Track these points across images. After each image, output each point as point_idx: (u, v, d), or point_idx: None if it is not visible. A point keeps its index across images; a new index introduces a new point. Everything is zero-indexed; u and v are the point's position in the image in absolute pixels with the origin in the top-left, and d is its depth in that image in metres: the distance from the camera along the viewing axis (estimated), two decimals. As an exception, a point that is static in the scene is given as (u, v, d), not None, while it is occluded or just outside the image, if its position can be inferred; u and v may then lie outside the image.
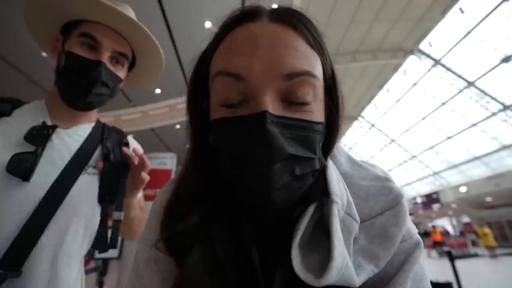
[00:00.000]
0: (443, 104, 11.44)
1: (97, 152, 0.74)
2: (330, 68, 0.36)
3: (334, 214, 0.30)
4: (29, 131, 0.63)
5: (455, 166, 14.08)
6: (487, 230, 11.06)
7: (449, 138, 12.67)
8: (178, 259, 0.34)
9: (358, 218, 0.33)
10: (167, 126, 8.20)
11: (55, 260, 0.61)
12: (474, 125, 11.23)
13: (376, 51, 9.68)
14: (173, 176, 3.09)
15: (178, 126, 8.56)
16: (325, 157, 0.36)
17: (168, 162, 3.11)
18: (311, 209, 0.33)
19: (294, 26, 0.33)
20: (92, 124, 0.78)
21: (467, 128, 11.60)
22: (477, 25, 8.67)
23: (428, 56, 10.11)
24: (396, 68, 10.94)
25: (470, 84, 10.03)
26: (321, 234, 0.32)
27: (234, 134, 0.31)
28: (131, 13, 0.77)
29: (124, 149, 0.77)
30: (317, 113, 0.33)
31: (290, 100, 0.31)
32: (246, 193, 0.33)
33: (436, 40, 9.61)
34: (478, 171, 13.11)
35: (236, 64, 0.31)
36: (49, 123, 0.69)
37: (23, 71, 6.67)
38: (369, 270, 0.31)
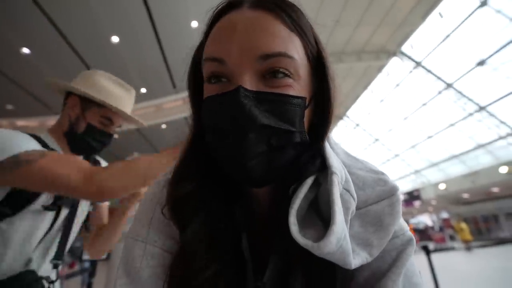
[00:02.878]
0: (424, 104, 11.89)
1: None
2: (315, 50, 0.38)
3: (335, 183, 0.31)
4: None
5: (435, 164, 14.68)
6: (463, 225, 11.63)
7: (429, 137, 13.19)
8: (180, 227, 0.37)
9: (355, 195, 0.34)
10: (153, 126, 8.04)
11: None
12: (452, 125, 11.75)
13: (361, 53, 9.93)
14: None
15: (164, 126, 8.41)
16: (320, 138, 0.38)
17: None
18: (309, 181, 0.33)
19: (272, 11, 0.35)
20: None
21: (446, 128, 12.12)
22: (455, 29, 9.07)
23: (409, 58, 10.48)
24: (380, 69, 11.26)
25: (449, 85, 10.48)
26: (314, 215, 0.33)
27: (214, 110, 0.35)
28: (132, 99, 1.06)
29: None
30: (296, 89, 0.34)
31: (267, 78, 0.34)
32: (228, 165, 0.35)
33: (417, 43, 9.98)
34: (456, 169, 13.73)
35: (217, 50, 0.34)
36: None
37: (1, 70, 6.34)
38: (363, 257, 0.32)
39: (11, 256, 0.76)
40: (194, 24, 5.73)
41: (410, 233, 0.37)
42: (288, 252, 0.34)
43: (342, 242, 0.29)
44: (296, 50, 0.34)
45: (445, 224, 16.71)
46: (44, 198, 0.79)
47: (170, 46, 6.33)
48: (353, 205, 0.33)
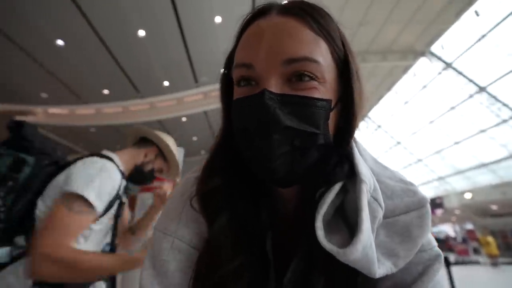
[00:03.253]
0: (452, 108, 11.26)
1: None
2: (342, 53, 0.38)
3: (363, 191, 0.31)
4: (125, 188, 1.12)
5: (461, 171, 13.89)
6: (490, 238, 10.93)
7: (456, 143, 12.49)
8: (208, 221, 0.39)
9: (383, 204, 0.34)
10: (174, 119, 8.26)
11: None
12: (483, 131, 11.04)
13: (387, 52, 9.55)
14: (180, 169, 3.13)
15: (184, 119, 8.60)
16: (346, 142, 0.38)
17: (177, 155, 3.15)
18: (337, 187, 0.34)
19: (299, 16, 0.36)
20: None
21: (475, 134, 11.41)
22: (492, 29, 8.47)
23: (439, 58, 9.94)
24: (406, 70, 10.78)
25: (482, 89, 9.84)
26: (339, 221, 0.34)
27: (241, 112, 0.37)
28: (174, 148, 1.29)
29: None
30: (322, 92, 0.35)
31: (293, 82, 0.35)
32: (254, 165, 0.37)
33: (449, 43, 9.43)
34: (485, 178, 12.92)
35: (246, 56, 0.36)
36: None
37: (34, 58, 6.76)
38: (387, 267, 0.31)
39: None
40: (218, 19, 5.77)
41: (438, 249, 0.36)
42: (311, 255, 0.34)
43: (368, 250, 0.29)
44: (321, 54, 0.35)
45: (470, 236, 15.82)
46: (114, 209, 1.02)
47: (194, 41, 6.44)
48: (380, 214, 0.33)
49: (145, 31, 6.16)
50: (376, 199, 0.33)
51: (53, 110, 8.82)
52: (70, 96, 8.39)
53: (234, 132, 0.39)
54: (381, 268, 0.30)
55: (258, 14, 0.39)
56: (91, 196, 0.87)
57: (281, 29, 0.35)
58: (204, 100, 7.74)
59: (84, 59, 6.96)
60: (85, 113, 8.69)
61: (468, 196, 13.83)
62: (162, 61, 7.09)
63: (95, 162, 0.97)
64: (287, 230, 0.40)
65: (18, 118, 0.73)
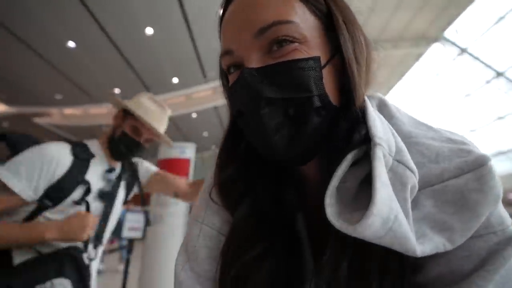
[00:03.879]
0: (468, 95, 10.87)
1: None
2: (324, 6, 0.35)
3: (378, 156, 0.26)
4: (103, 174, 1.09)
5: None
6: (509, 227, 10.60)
7: (472, 131, 12.08)
8: (231, 210, 0.39)
9: (414, 167, 0.28)
10: (184, 115, 8.35)
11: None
12: (501, 118, 10.63)
13: (398, 40, 9.26)
14: (192, 165, 3.20)
15: (194, 115, 8.67)
16: (352, 101, 0.33)
17: (188, 151, 3.20)
18: (349, 156, 0.29)
19: None
20: (121, 163, 1.21)
21: (493, 121, 11.00)
22: (510, 10, 8.05)
23: (454, 44, 9.56)
24: (418, 57, 10.44)
25: (500, 74, 9.43)
26: (368, 193, 0.27)
27: (233, 97, 0.36)
28: (165, 118, 1.20)
29: None
30: (305, 52, 0.32)
31: (273, 51, 0.32)
32: (257, 147, 0.35)
33: (464, 28, 9.04)
34: (503, 167, 12.49)
35: (225, 43, 0.35)
36: (108, 165, 1.12)
37: (48, 60, 6.95)
38: (438, 242, 0.25)
39: None
40: None
41: None
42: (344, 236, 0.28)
43: (392, 224, 0.24)
44: (295, 12, 0.32)
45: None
46: (76, 195, 0.99)
47: (201, 36, 6.44)
48: (412, 179, 0.27)
49: (153, 29, 6.20)
50: (401, 162, 0.27)
51: (68, 111, 9.08)
52: (83, 97, 8.60)
53: (235, 118, 0.38)
54: (426, 245, 0.25)
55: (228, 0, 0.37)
56: (8, 179, 0.86)
57: (247, 2, 0.33)
58: (213, 95, 7.78)
59: (95, 60, 7.10)
60: (97, 113, 8.90)
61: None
62: (170, 58, 7.14)
63: (37, 147, 0.95)
64: (316, 210, 0.35)
65: (35, 120, 0.81)
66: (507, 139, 11.22)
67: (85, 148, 1.06)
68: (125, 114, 1.11)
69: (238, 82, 0.33)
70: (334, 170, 0.29)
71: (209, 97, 7.84)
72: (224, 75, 0.42)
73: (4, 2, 4.98)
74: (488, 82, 9.85)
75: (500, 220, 0.28)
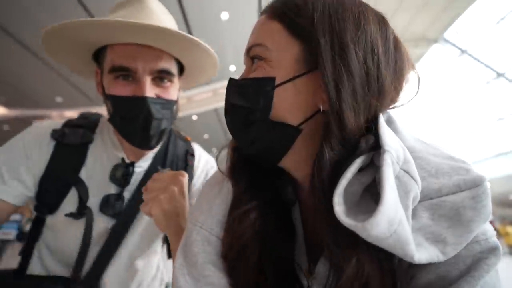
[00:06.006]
0: (467, 96, 10.87)
1: None
2: (307, 27, 0.35)
3: (387, 162, 0.27)
4: (112, 172, 0.67)
5: (477, 161, 13.46)
6: (510, 229, 10.58)
7: (471, 132, 12.07)
8: (234, 182, 0.43)
9: (419, 179, 0.29)
10: (184, 118, 8.35)
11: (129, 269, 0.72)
12: (501, 119, 10.61)
13: (397, 41, 9.27)
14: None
15: (195, 118, 8.67)
16: (331, 116, 0.33)
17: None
18: (358, 160, 0.30)
19: (268, 12, 0.41)
20: (156, 150, 0.74)
21: (493, 122, 10.98)
22: (511, 11, 8.06)
23: (453, 45, 9.57)
24: (418, 59, 10.46)
25: (500, 75, 9.43)
26: (371, 203, 0.30)
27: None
28: (153, 10, 0.64)
29: None
30: (267, 71, 0.37)
31: (252, 65, 0.41)
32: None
33: (463, 28, 9.05)
34: (503, 168, 12.45)
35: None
36: (124, 157, 0.69)
37: (48, 63, 6.97)
38: (432, 253, 0.27)
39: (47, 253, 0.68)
40: (225, 16, 5.72)
41: (495, 241, 0.30)
42: (336, 242, 0.31)
43: (397, 227, 0.25)
44: (269, 36, 0.38)
45: (488, 226, 15.34)
46: (67, 204, 0.65)
47: (200, 38, 6.44)
48: (415, 189, 0.29)
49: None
50: (407, 172, 0.29)
51: (69, 113, 9.10)
52: (83, 99, 8.61)
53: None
54: (421, 253, 0.27)
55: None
56: None
57: (255, 25, 0.42)
58: (213, 97, 7.78)
59: (95, 62, 7.12)
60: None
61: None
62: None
63: (19, 135, 0.67)
64: (311, 206, 0.37)
65: (35, 122, 0.68)
66: (508, 140, 11.20)
67: (84, 126, 0.69)
68: (98, 63, 0.67)
69: (227, 86, 0.42)
70: (320, 180, 0.32)
71: (209, 99, 7.85)
72: None
73: (4, 4, 5.00)
74: (488, 82, 9.85)
75: (484, 231, 0.30)
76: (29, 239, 0.68)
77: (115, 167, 0.67)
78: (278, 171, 0.42)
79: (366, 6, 0.38)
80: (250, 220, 0.38)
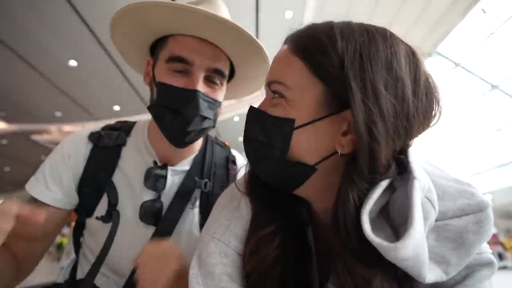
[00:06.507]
0: (464, 108, 10.99)
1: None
2: (336, 70, 0.35)
3: (416, 188, 0.29)
4: (146, 176, 0.64)
5: (477, 173, 13.41)
6: (515, 242, 10.37)
7: (470, 144, 12.11)
8: (253, 201, 0.44)
9: (437, 208, 0.31)
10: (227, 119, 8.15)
11: None
12: (499, 130, 10.68)
13: (393, 55, 9.48)
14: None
15: (237, 119, 8.41)
16: (367, 161, 0.33)
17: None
18: (383, 183, 0.32)
19: (291, 42, 0.41)
20: (193, 156, 0.72)
21: (491, 134, 11.05)
22: (500, 26, 8.31)
23: (447, 58, 9.78)
24: (413, 71, 10.64)
25: (494, 87, 9.58)
26: (383, 221, 0.32)
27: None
28: (223, 11, 0.64)
29: None
30: (287, 110, 0.38)
31: (272, 98, 0.41)
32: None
33: (456, 42, 9.29)
34: (505, 179, 12.39)
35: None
36: (157, 159, 0.67)
37: (48, 77, 7.05)
38: (437, 273, 0.29)
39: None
40: (289, 15, 5.55)
41: (489, 256, 0.33)
42: (348, 264, 0.32)
43: (419, 250, 0.27)
44: (292, 75, 0.38)
45: (493, 240, 15.08)
46: (101, 207, 0.64)
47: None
48: (433, 217, 0.31)
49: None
50: (430, 200, 0.31)
51: (68, 128, 9.12)
52: (83, 114, 8.66)
53: None
54: (431, 274, 0.28)
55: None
56: (34, 188, 0.62)
57: (275, 56, 0.42)
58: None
59: (96, 78, 7.21)
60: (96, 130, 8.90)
61: (488, 198, 13.25)
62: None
63: (60, 144, 0.69)
64: (325, 228, 0.41)
65: (34, 137, 0.65)
66: (508, 151, 11.22)
67: (119, 129, 0.69)
68: (153, 54, 0.66)
69: (247, 113, 0.42)
70: (344, 214, 0.32)
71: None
72: None
73: (5, 20, 5.11)
74: (483, 95, 9.99)
75: (479, 247, 0.32)
76: (74, 244, 0.70)
77: (148, 171, 0.64)
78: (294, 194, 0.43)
79: (398, 41, 0.37)
80: (273, 245, 0.39)
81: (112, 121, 0.75)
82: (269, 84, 0.40)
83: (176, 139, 0.62)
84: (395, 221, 0.31)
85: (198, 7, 0.54)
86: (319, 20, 0.42)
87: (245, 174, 0.47)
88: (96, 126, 0.71)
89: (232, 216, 0.44)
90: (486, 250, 0.33)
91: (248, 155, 0.42)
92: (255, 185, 0.44)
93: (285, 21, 5.49)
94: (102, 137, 0.67)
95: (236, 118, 8.35)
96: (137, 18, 0.59)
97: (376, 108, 0.32)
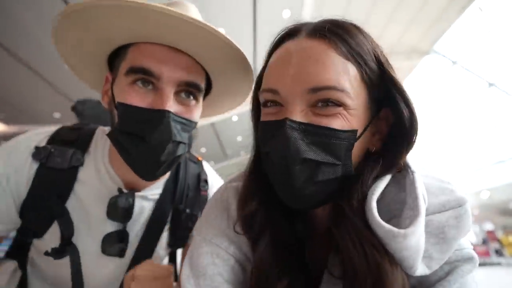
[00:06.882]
0: (462, 106, 11.04)
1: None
2: (376, 74, 0.37)
3: (418, 180, 0.32)
4: (110, 207, 0.55)
5: (476, 170, 13.48)
6: (512, 238, 10.46)
7: (468, 141, 12.16)
8: (252, 242, 0.40)
9: (426, 202, 0.33)
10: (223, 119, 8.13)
11: None
12: (497, 127, 10.74)
13: (390, 54, 9.48)
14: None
15: (235, 119, 8.42)
16: (402, 154, 0.37)
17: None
18: (388, 176, 0.35)
19: (328, 39, 0.35)
20: (165, 179, 0.64)
21: (489, 131, 11.11)
22: (497, 24, 8.34)
23: (444, 56, 9.82)
24: (410, 70, 10.69)
25: (491, 85, 9.64)
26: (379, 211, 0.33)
27: (265, 136, 0.38)
28: (193, 13, 0.52)
29: None
30: (346, 119, 0.34)
31: (318, 107, 0.35)
32: (278, 190, 0.38)
33: (453, 40, 9.33)
34: (503, 176, 12.47)
35: (272, 81, 0.37)
36: (122, 186, 0.58)
37: (46, 79, 7.04)
38: (421, 267, 0.30)
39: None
40: (286, 14, 5.58)
41: (470, 251, 0.34)
42: (355, 274, 0.32)
43: (421, 239, 0.29)
44: (349, 80, 0.34)
45: (490, 237, 15.20)
46: (51, 239, 0.55)
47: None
48: (424, 212, 0.31)
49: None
50: (423, 196, 0.33)
51: (66, 128, 9.06)
52: (81, 114, 8.63)
53: (261, 152, 0.41)
54: (419, 268, 0.30)
55: (288, 35, 0.39)
56: None
57: (308, 54, 0.34)
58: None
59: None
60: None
61: (486, 195, 13.33)
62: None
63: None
64: (319, 242, 0.41)
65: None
66: (506, 149, 11.28)
67: (73, 144, 0.56)
68: (113, 63, 0.54)
69: (279, 130, 0.34)
70: (342, 212, 0.34)
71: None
72: (256, 102, 0.44)
73: (4, 22, 5.09)
74: (481, 92, 10.04)
75: (459, 243, 0.34)
76: (18, 262, 0.59)
77: (113, 202, 0.55)
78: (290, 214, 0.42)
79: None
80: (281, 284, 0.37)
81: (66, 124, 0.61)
82: (316, 90, 0.33)
83: (144, 173, 0.52)
84: (384, 216, 0.32)
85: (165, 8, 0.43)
86: (319, 19, 0.41)
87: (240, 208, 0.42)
88: (40, 132, 0.58)
89: (223, 217, 0.44)
90: (466, 246, 0.34)
91: (294, 179, 0.34)
92: (258, 222, 0.41)
93: (283, 21, 5.49)
94: (52, 155, 0.53)
95: (235, 118, 8.34)
96: (84, 22, 0.46)
97: (408, 106, 0.37)
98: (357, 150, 0.36)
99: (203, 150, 10.32)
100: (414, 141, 0.36)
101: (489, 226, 16.56)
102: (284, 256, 0.38)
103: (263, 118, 0.39)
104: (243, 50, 0.47)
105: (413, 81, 11.30)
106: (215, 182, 0.73)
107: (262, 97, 0.38)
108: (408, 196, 0.31)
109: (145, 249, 0.60)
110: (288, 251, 0.39)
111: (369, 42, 0.38)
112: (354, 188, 0.35)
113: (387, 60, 0.38)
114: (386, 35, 8.65)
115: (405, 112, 0.36)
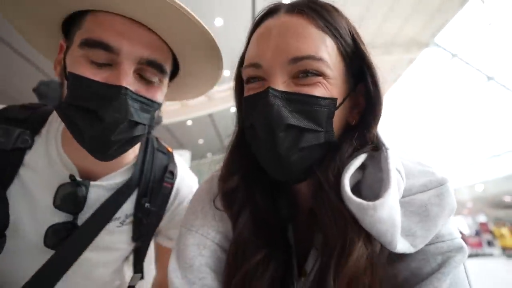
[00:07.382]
0: (460, 99, 11.06)
1: (131, 199, 0.58)
2: (351, 48, 0.39)
3: (390, 155, 0.33)
4: (58, 195, 0.50)
5: (471, 163, 13.64)
6: (505, 230, 10.70)
7: (464, 135, 12.26)
8: (232, 218, 0.41)
9: (405, 179, 0.34)
10: (179, 123, 8.32)
11: None
12: (494, 121, 10.81)
13: (390, 46, 9.43)
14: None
15: (189, 123, 8.65)
16: (371, 126, 0.39)
17: (183, 158, 3.20)
18: (363, 155, 0.35)
19: (306, 14, 0.37)
20: (127, 167, 0.58)
21: (486, 125, 11.18)
22: (498, 17, 8.27)
23: (444, 49, 9.77)
24: (409, 62, 10.63)
25: (490, 78, 9.64)
26: (357, 195, 0.33)
27: (249, 109, 0.39)
28: None
29: None
30: (326, 88, 0.36)
31: (299, 78, 0.36)
32: (262, 161, 0.39)
33: (454, 33, 9.26)
34: (497, 170, 12.64)
35: (254, 56, 0.38)
36: (76, 173, 0.52)
37: (47, 74, 6.92)
38: (405, 245, 0.31)
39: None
40: (219, 22, 5.75)
41: (460, 241, 0.34)
42: (327, 245, 0.33)
43: (394, 213, 0.29)
44: (327, 51, 0.36)
45: (482, 228, 15.52)
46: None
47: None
48: (402, 188, 0.33)
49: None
50: (399, 171, 0.33)
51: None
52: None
53: (244, 127, 0.41)
54: (400, 243, 0.30)
55: (267, 13, 0.41)
56: None
57: (287, 28, 0.36)
58: (208, 102, 7.79)
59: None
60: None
61: (480, 188, 13.54)
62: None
63: None
64: (305, 222, 0.41)
65: None
66: (501, 143, 11.39)
67: (23, 123, 0.51)
68: (67, 31, 0.48)
69: (261, 99, 0.35)
70: (325, 188, 0.35)
71: (204, 104, 7.85)
72: (239, 80, 0.45)
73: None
74: (479, 86, 10.05)
75: (449, 232, 0.34)
76: None
77: (61, 189, 0.50)
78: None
79: None
80: (265, 274, 0.37)
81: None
82: (296, 60, 0.35)
83: (96, 151, 0.46)
84: (366, 198, 0.32)
85: None
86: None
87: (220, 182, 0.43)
88: None
89: (210, 208, 0.44)
90: (457, 236, 0.35)
91: (278, 146, 0.34)
92: (238, 199, 0.41)
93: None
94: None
95: (233, 109, 8.34)
96: None
97: (376, 75, 0.39)
98: (337, 120, 0.38)
99: (200, 141, 10.32)
100: (380, 114, 0.38)
101: (482, 218, 16.89)
102: (263, 232, 0.39)
103: (246, 94, 0.40)
104: (242, 40, 0.47)
105: (412, 74, 11.26)
106: (186, 176, 0.67)
107: (245, 74, 0.39)
108: (385, 174, 0.32)
109: (76, 244, 0.52)
110: (267, 227, 0.39)
111: (345, 20, 0.40)
112: (332, 159, 0.36)
113: (359, 37, 0.40)
114: (386, 27, 8.55)
115: (371, 85, 0.38)
